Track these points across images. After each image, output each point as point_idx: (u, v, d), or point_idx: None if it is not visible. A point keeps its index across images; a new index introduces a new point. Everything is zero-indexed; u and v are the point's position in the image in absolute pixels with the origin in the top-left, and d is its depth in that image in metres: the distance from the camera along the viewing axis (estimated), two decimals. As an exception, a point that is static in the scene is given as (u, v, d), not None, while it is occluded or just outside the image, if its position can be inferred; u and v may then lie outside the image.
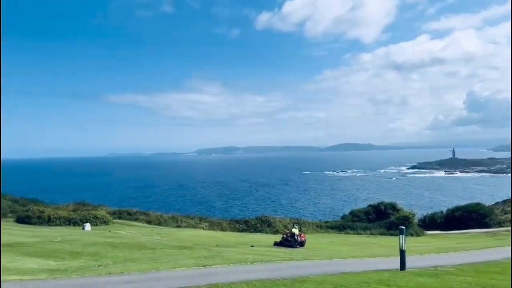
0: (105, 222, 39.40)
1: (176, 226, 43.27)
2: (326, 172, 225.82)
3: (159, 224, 44.15)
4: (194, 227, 43.55)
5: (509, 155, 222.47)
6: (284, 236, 29.39)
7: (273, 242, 29.43)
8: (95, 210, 43.28)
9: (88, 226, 34.93)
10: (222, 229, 43.08)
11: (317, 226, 45.38)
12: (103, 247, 21.51)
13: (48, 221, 37.34)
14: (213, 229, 42.92)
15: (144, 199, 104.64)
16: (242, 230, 42.87)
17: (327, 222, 48.52)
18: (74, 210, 43.17)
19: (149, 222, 44.69)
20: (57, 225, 37.16)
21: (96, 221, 38.52)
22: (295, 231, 29.04)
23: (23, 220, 37.53)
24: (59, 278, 13.57)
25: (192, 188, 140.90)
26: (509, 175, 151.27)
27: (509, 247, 23.33)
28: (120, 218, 45.21)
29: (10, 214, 41.58)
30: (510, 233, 37.08)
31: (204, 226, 44.07)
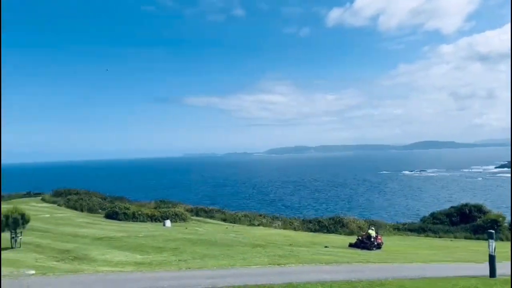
0: (184, 219, 41.38)
1: (250, 224, 44.08)
2: (404, 171, 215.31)
3: (234, 222, 45.30)
4: (266, 225, 44.03)
5: None
6: (360, 237, 28.61)
7: (348, 243, 28.80)
8: (174, 207, 45.66)
9: (168, 223, 36.94)
10: (295, 229, 43.02)
11: (395, 228, 43.44)
12: (183, 243, 22.63)
13: (133, 217, 40.15)
14: (286, 228, 43.04)
15: (219, 197, 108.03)
16: (315, 230, 42.42)
17: (405, 224, 46.22)
18: (155, 207, 45.95)
19: (224, 220, 46.06)
20: (140, 221, 39.81)
21: (175, 218, 40.61)
22: (372, 233, 28.12)
23: (111, 216, 40.76)
24: (145, 271, 14.55)
25: (264, 187, 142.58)
26: None
27: None
28: (197, 215, 47.16)
29: (100, 210, 45.43)
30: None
31: (276, 225, 44.36)
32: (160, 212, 41.88)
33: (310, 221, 45.25)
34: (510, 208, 49.79)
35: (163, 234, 26.95)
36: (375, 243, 27.63)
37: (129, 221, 39.41)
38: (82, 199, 49.04)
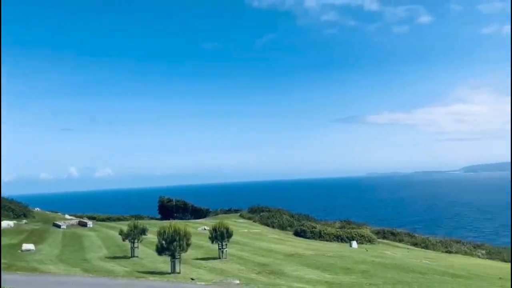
0: (370, 241, 40.21)
1: (446, 251, 39.75)
2: None
3: (426, 247, 41.65)
4: (466, 254, 38.92)
5: None
6: None
7: None
8: (360, 228, 44.89)
9: (354, 244, 36.51)
10: (504, 260, 36.71)
11: None
12: (372, 266, 22.00)
13: (320, 236, 41.18)
14: (492, 259, 37.16)
15: (407, 219, 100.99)
16: (533, 263, 35.34)
17: None
18: (340, 228, 46.09)
19: (414, 244, 42.83)
20: (326, 240, 40.49)
21: (361, 239, 39.83)
22: None
23: (299, 233, 42.76)
24: (336, 291, 14.70)
25: (458, 210, 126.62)
26: None
27: None
28: (384, 238, 45.20)
29: (289, 228, 48.21)
30: None
31: (479, 254, 38.76)
32: (345, 232, 41.79)
33: (526, 252, 37.99)
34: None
35: (351, 255, 26.75)
36: None
37: (316, 239, 40.56)
38: (273, 216, 53.04)
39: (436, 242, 42.89)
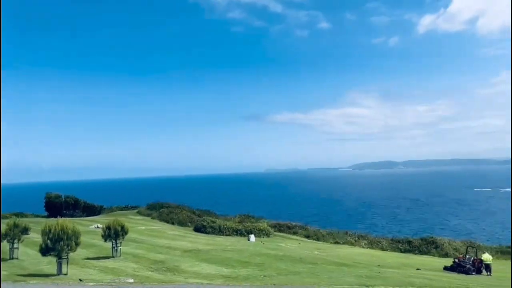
0: (267, 234, 41.72)
1: (334, 242, 43.02)
2: (505, 189, 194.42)
3: (317, 239, 44.59)
4: (352, 244, 42.61)
5: None
6: (456, 260, 26.44)
7: (443, 266, 26.74)
8: (258, 222, 46.32)
9: (253, 237, 37.53)
10: (382, 249, 41.05)
11: (498, 251, 39.27)
12: (267, 258, 22.82)
13: (219, 231, 41.51)
14: (373, 248, 41.26)
15: (301, 214, 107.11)
16: (405, 251, 40.10)
17: (509, 246, 41.55)
18: (239, 222, 47.06)
19: (307, 237, 45.54)
20: (226, 235, 41.00)
21: (259, 233, 41.13)
22: (487, 257, 25.79)
23: (199, 229, 42.60)
24: (232, 284, 14.92)
25: (347, 204, 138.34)
26: None
27: None
28: (280, 231, 47.26)
29: (189, 224, 47.73)
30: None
31: (363, 244, 42.70)
32: (244, 226, 42.77)
33: (399, 241, 42.94)
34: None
35: (248, 249, 27.42)
36: (474, 267, 25.34)
37: (216, 234, 40.80)
38: (173, 212, 52.03)
39: (326, 234, 46.15)
